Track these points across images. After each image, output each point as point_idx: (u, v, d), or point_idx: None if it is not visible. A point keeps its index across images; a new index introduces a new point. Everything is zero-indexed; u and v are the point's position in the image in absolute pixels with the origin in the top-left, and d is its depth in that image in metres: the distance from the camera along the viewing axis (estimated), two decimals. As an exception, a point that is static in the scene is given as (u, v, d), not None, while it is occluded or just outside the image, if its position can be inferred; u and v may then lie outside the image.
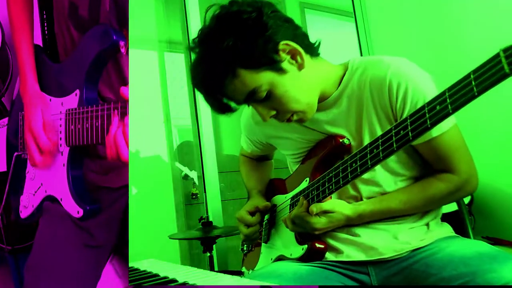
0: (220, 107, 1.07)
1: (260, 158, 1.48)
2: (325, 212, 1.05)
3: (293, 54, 1.02)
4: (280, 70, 1.01)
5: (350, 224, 1.08)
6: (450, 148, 1.04)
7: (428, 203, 1.08)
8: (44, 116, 1.14)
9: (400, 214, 1.08)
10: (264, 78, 1.00)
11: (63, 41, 1.18)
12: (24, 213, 1.23)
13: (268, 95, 1.02)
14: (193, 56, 1.07)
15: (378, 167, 1.08)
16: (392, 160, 1.08)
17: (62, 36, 1.18)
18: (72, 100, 1.11)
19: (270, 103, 1.04)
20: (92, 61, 1.06)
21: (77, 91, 1.10)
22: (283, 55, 1.01)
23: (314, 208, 1.05)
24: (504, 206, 1.76)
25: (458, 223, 1.21)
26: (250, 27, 0.97)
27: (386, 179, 1.09)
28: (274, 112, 1.06)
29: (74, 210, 1.09)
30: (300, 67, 1.04)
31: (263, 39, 0.98)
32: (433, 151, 1.05)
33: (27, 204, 1.22)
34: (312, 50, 1.08)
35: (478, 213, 1.67)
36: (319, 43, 1.10)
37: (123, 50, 1.05)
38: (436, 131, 1.01)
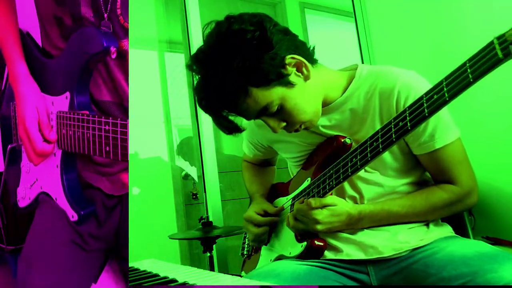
0: (229, 127, 1.08)
1: (263, 163, 1.48)
2: (326, 206, 1.05)
3: (299, 67, 1.04)
4: (289, 84, 1.02)
5: (350, 224, 1.08)
6: (453, 161, 1.05)
7: (429, 210, 1.08)
8: (39, 112, 1.08)
9: (401, 220, 1.09)
10: (275, 94, 1.01)
11: (54, 50, 1.15)
12: (22, 203, 1.22)
13: (279, 108, 1.04)
14: (190, 73, 1.06)
15: (379, 172, 1.09)
16: (393, 168, 1.09)
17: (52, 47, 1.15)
18: (62, 102, 1.07)
19: (281, 116, 1.05)
20: (83, 65, 1.03)
21: (67, 94, 1.06)
22: (289, 68, 1.02)
23: (313, 201, 1.05)
24: (504, 206, 1.75)
25: (458, 223, 1.21)
26: (255, 46, 0.97)
27: (388, 181, 1.09)
28: (284, 124, 1.07)
29: (69, 213, 1.08)
30: (306, 78, 1.05)
31: (270, 56, 0.98)
32: (436, 163, 1.06)
33: (24, 196, 1.21)
34: (311, 58, 1.08)
35: (478, 213, 1.67)
36: (313, 48, 1.10)
37: (113, 55, 1.02)
38: (439, 143, 1.03)
